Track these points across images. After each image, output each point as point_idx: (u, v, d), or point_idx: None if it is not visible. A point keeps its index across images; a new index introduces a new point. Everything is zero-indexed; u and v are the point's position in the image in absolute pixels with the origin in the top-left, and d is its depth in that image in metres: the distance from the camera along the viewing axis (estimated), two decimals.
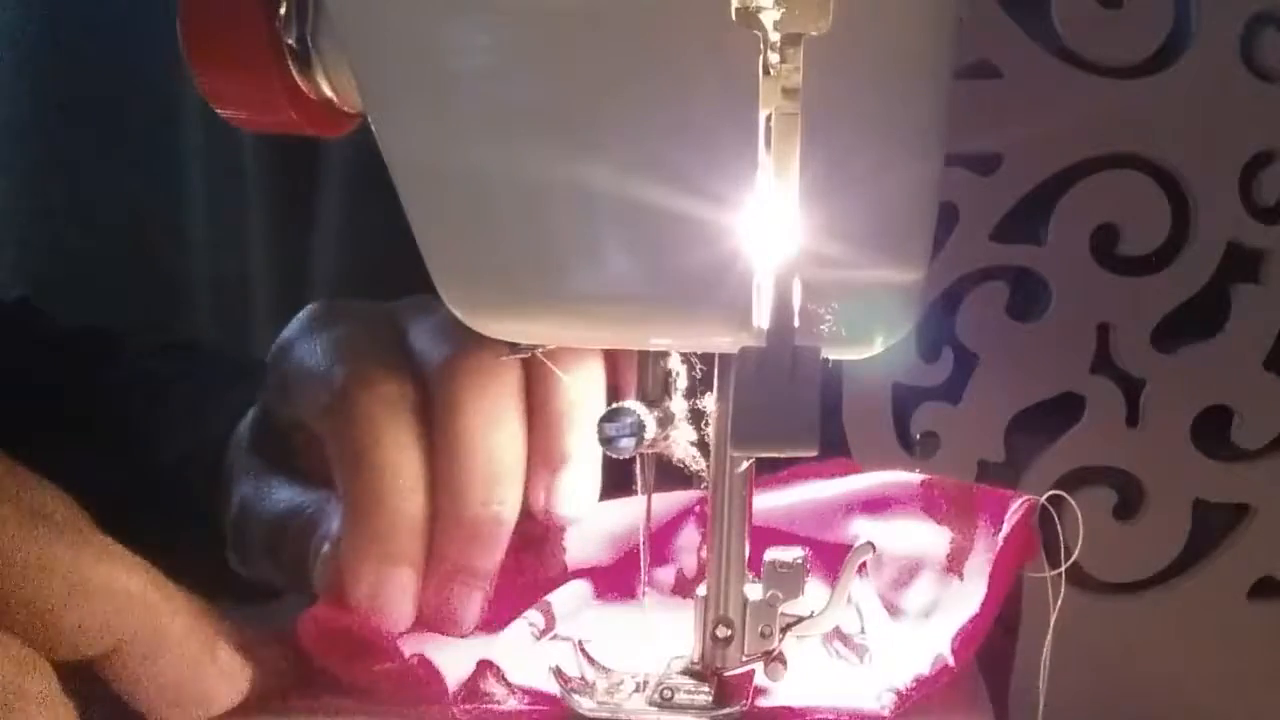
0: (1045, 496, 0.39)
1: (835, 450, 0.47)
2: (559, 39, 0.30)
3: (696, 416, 0.39)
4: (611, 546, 0.44)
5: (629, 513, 0.44)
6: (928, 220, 0.33)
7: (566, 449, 0.41)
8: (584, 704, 0.36)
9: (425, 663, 0.37)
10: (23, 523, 0.31)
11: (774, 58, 0.28)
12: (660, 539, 0.45)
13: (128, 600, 0.32)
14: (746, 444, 0.31)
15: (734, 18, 0.28)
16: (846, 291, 0.31)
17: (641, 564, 0.42)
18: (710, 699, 0.36)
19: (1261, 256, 0.48)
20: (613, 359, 0.42)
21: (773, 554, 0.37)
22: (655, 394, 0.39)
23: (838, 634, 0.40)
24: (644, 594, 0.42)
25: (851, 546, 0.39)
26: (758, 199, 0.30)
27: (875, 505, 0.43)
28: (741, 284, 0.31)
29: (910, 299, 0.33)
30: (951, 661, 0.37)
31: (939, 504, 0.42)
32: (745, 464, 0.37)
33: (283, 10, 0.33)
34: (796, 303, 0.30)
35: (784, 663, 0.37)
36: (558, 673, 0.37)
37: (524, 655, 0.38)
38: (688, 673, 0.37)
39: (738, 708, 0.36)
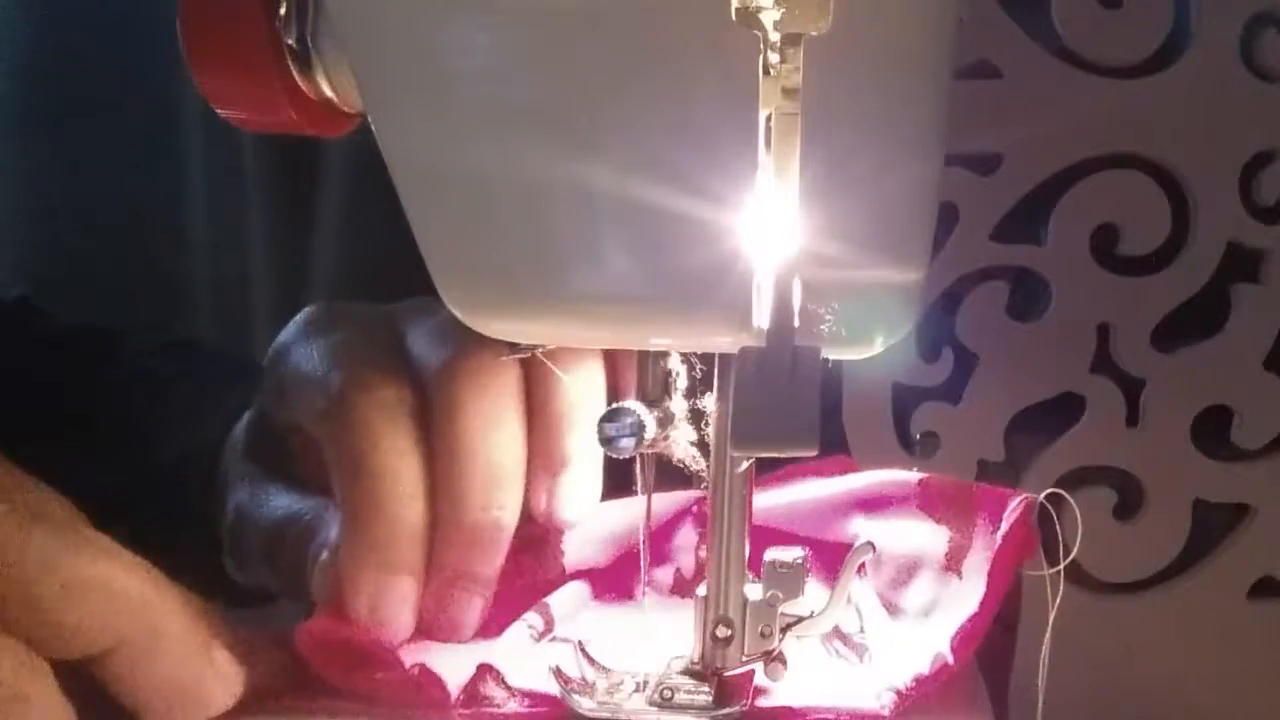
0: (1044, 495, 0.39)
1: (835, 450, 0.47)
2: (559, 39, 0.30)
3: (696, 416, 0.39)
4: (609, 548, 0.44)
5: (626, 513, 0.44)
6: (928, 220, 0.33)
7: (567, 452, 0.41)
8: (584, 704, 0.36)
9: (426, 671, 0.37)
10: (21, 522, 0.31)
11: (774, 58, 0.28)
12: (658, 539, 0.45)
13: (125, 600, 0.32)
14: (746, 444, 0.31)
15: (734, 18, 0.28)
16: (846, 291, 0.31)
17: (642, 564, 0.42)
18: (710, 699, 0.36)
19: (1261, 256, 0.48)
20: (612, 359, 0.42)
21: (773, 554, 0.37)
22: (655, 394, 0.39)
23: (837, 633, 0.40)
24: (643, 594, 0.42)
25: (850, 545, 0.39)
26: (758, 199, 0.30)
27: (873, 504, 0.43)
28: (741, 284, 0.31)
29: (910, 299, 0.33)
30: (951, 660, 0.37)
31: (936, 503, 0.42)
32: (745, 464, 0.37)
33: (283, 10, 0.33)
34: (796, 303, 0.30)
35: (784, 663, 0.37)
36: (558, 673, 0.37)
37: (523, 658, 0.38)
38: (688, 673, 0.37)
39: (738, 708, 0.36)
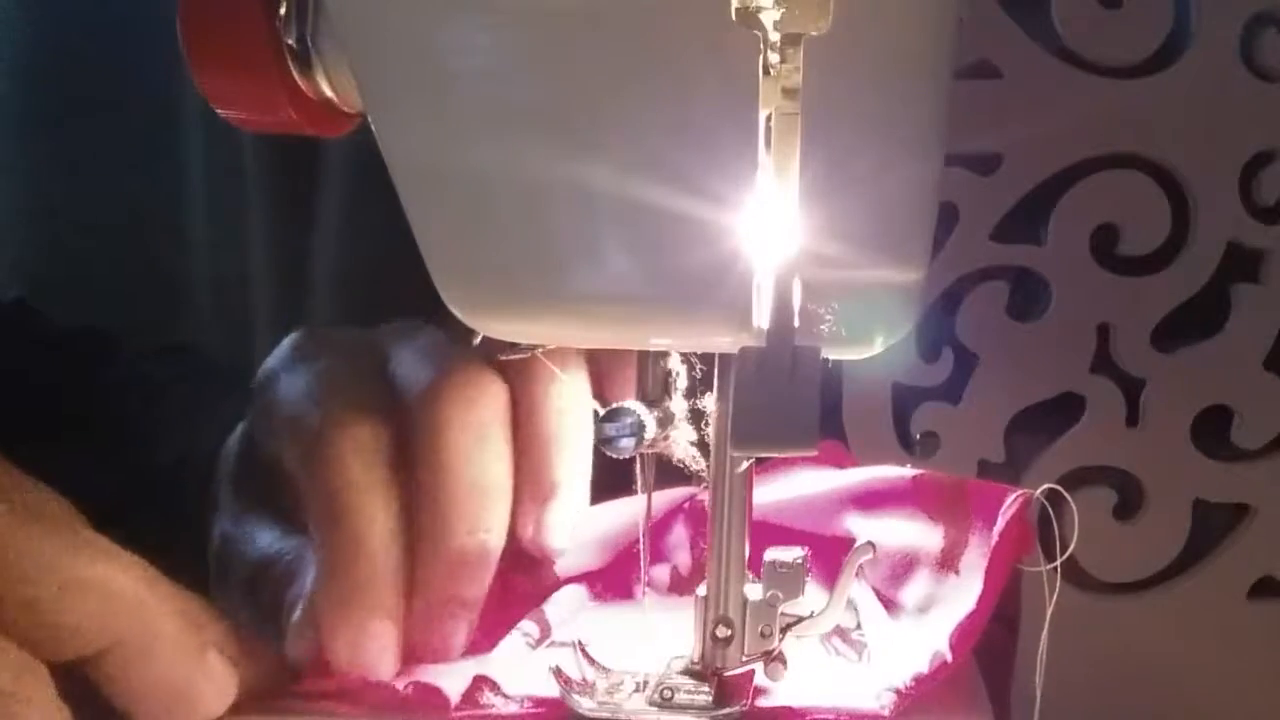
0: (1040, 491, 0.39)
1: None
2: (559, 39, 0.30)
3: (696, 416, 0.39)
4: (603, 550, 0.44)
5: (617, 516, 0.44)
6: (928, 220, 0.33)
7: (555, 479, 0.41)
8: (584, 704, 0.36)
9: (421, 687, 0.37)
10: (19, 522, 0.31)
11: (774, 58, 0.28)
12: (653, 537, 0.45)
13: (121, 601, 0.32)
14: (746, 444, 0.31)
15: (734, 18, 0.28)
16: (846, 291, 0.31)
17: (642, 564, 0.41)
18: (710, 699, 0.36)
19: (1261, 256, 0.48)
20: (598, 376, 0.42)
21: (773, 554, 0.37)
22: (655, 394, 0.39)
23: (836, 630, 0.40)
24: (643, 594, 0.42)
25: (846, 541, 0.39)
26: (758, 199, 0.30)
27: (867, 501, 0.43)
28: (741, 284, 0.31)
29: (910, 299, 0.33)
30: (949, 658, 0.37)
31: (931, 499, 0.42)
32: (745, 464, 0.37)
33: (283, 10, 0.33)
34: (796, 303, 0.30)
35: (784, 663, 0.37)
36: (558, 673, 0.37)
37: (520, 666, 0.38)
38: (688, 673, 0.37)
39: (738, 708, 0.36)
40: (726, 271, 0.30)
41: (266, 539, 0.44)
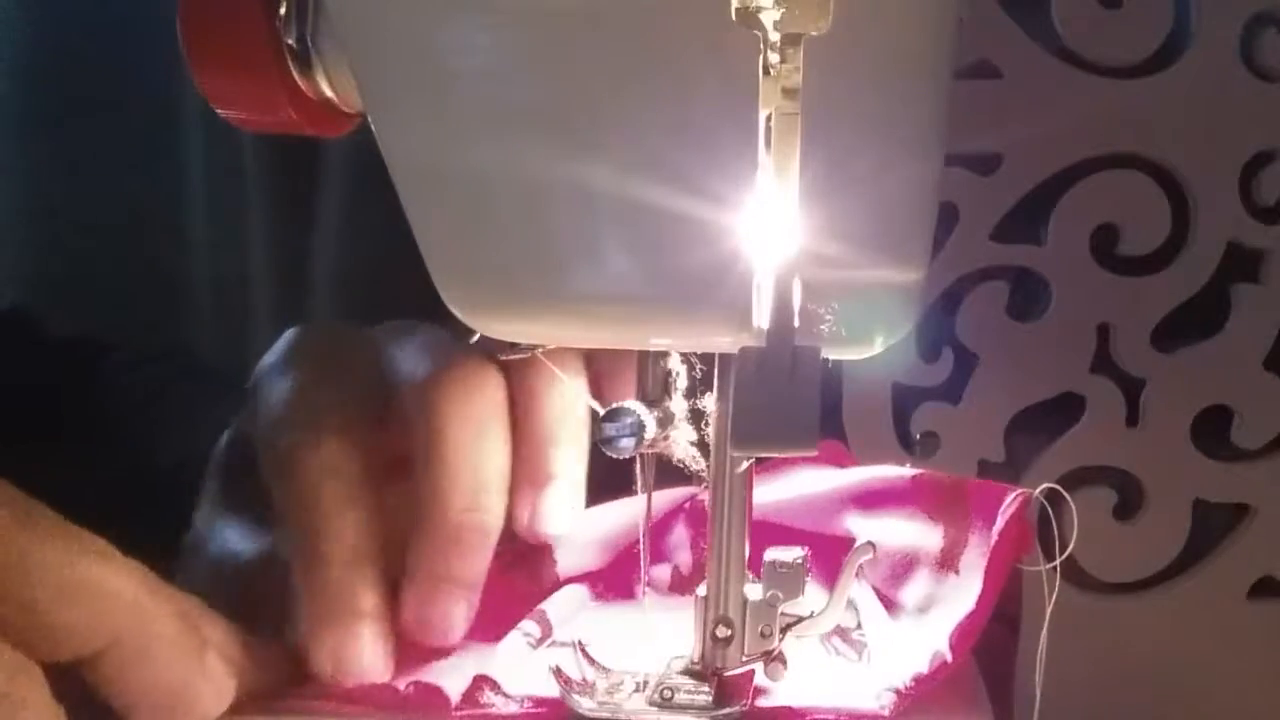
0: (1040, 490, 0.39)
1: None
2: (559, 39, 0.30)
3: (696, 416, 0.39)
4: (603, 550, 0.44)
5: (618, 517, 0.44)
6: (928, 220, 0.33)
7: (552, 467, 0.41)
8: (584, 704, 0.36)
9: (421, 687, 0.37)
10: (16, 524, 0.31)
11: (774, 58, 0.28)
12: (654, 537, 0.45)
13: (118, 602, 0.32)
14: (746, 444, 0.31)
15: (734, 18, 0.28)
16: (846, 291, 0.31)
17: (642, 564, 0.41)
18: (710, 699, 0.36)
19: (1261, 256, 0.48)
20: (596, 378, 0.42)
21: (773, 554, 0.37)
22: (655, 394, 0.39)
23: (836, 630, 0.40)
24: (644, 594, 0.42)
25: (845, 541, 0.39)
26: (758, 199, 0.30)
27: (867, 501, 0.43)
28: (741, 284, 0.31)
29: (910, 299, 0.33)
30: (949, 658, 0.37)
31: (931, 499, 0.42)
32: (745, 464, 0.37)
33: (283, 10, 0.33)
34: (796, 303, 0.30)
35: (784, 663, 0.37)
36: (558, 673, 0.37)
37: (521, 665, 0.38)
38: (688, 673, 0.37)
39: (738, 708, 0.36)
40: (726, 271, 0.30)
41: (232, 537, 0.44)
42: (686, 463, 0.40)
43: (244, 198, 0.69)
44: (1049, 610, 0.37)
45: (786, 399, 0.29)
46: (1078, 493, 0.43)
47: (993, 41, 0.46)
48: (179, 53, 0.33)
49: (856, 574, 0.39)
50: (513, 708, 0.36)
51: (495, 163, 0.31)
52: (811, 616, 0.37)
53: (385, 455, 0.41)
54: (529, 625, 0.41)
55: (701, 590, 0.37)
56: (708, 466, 0.38)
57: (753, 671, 0.37)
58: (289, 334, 0.45)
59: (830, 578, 0.39)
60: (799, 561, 0.37)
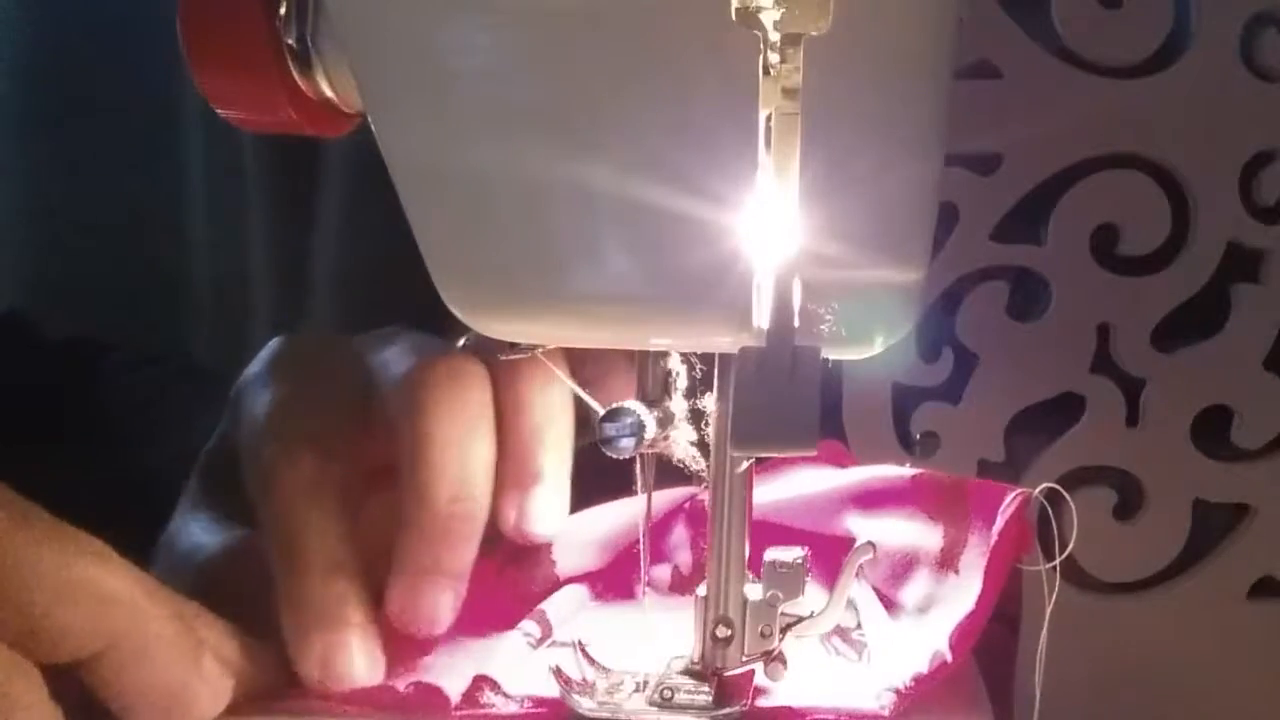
0: (1039, 490, 0.39)
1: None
2: (559, 39, 0.30)
3: (696, 416, 0.39)
4: (603, 551, 0.44)
5: (617, 517, 0.44)
6: (928, 220, 0.33)
7: (538, 467, 0.41)
8: (584, 704, 0.36)
9: (421, 687, 0.37)
10: (13, 526, 0.31)
11: (774, 58, 0.28)
12: (654, 537, 0.45)
13: (115, 604, 0.32)
14: (746, 444, 0.31)
15: (734, 18, 0.28)
16: (846, 291, 0.31)
17: (642, 564, 0.41)
18: (710, 699, 0.36)
19: (1261, 256, 0.48)
20: (584, 385, 0.42)
21: (773, 554, 0.37)
22: (655, 394, 0.39)
23: (836, 630, 0.40)
24: (644, 594, 0.42)
25: (845, 541, 0.39)
26: (758, 199, 0.30)
27: (867, 500, 0.43)
28: (741, 284, 0.31)
29: (910, 299, 0.33)
30: (949, 658, 0.37)
31: (930, 499, 0.42)
32: (745, 464, 0.37)
33: (283, 10, 0.33)
34: (796, 303, 0.30)
35: (784, 663, 0.37)
36: (558, 673, 0.37)
37: (521, 665, 0.38)
38: (688, 673, 0.37)
39: (738, 708, 0.36)
40: (726, 271, 0.30)
41: (200, 531, 0.44)
42: (686, 463, 0.40)
43: (244, 198, 0.69)
44: (1049, 610, 0.37)
45: (786, 399, 0.29)
46: (1078, 493, 0.43)
47: (993, 41, 0.46)
48: (179, 53, 0.33)
49: (856, 574, 0.39)
50: (513, 708, 0.36)
51: (495, 163, 0.31)
52: (811, 616, 0.37)
53: (368, 464, 0.41)
54: (529, 625, 0.41)
55: (701, 590, 0.37)
56: (708, 466, 0.38)
57: (753, 671, 0.37)
58: (271, 345, 0.45)
59: (830, 578, 0.39)
60: (799, 561, 0.37)
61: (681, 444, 0.39)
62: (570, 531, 0.43)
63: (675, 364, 0.39)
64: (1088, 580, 0.49)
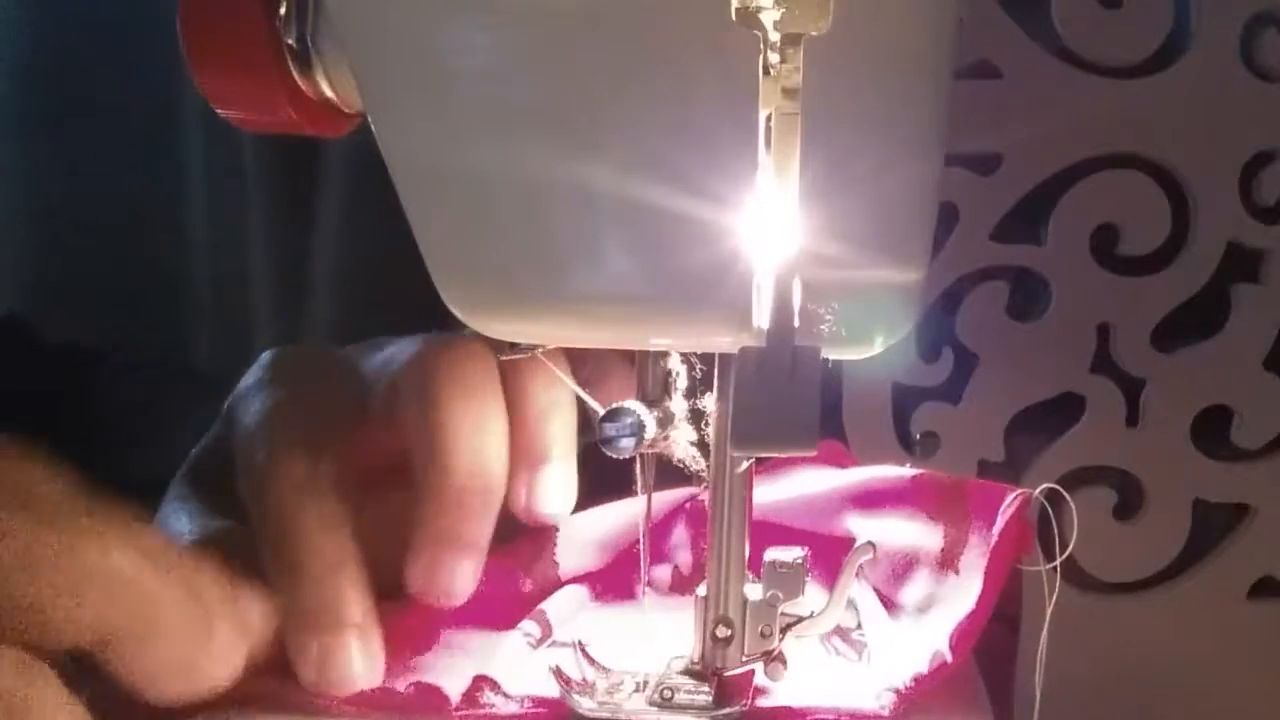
0: (1040, 490, 0.39)
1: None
2: (559, 39, 0.30)
3: (696, 416, 0.39)
4: (604, 551, 0.44)
5: (618, 517, 0.44)
6: (928, 220, 0.33)
7: (547, 448, 0.41)
8: (584, 704, 0.36)
9: (421, 687, 0.37)
10: (10, 511, 0.31)
11: (774, 58, 0.28)
12: (655, 537, 0.45)
13: (121, 586, 0.32)
14: (746, 444, 0.31)
15: (734, 18, 0.28)
16: (846, 291, 0.31)
17: (642, 564, 0.41)
18: (710, 699, 0.36)
19: (1261, 256, 0.48)
20: (580, 386, 0.43)
21: (773, 554, 0.37)
22: (655, 394, 0.39)
23: (836, 630, 0.40)
24: (644, 594, 0.42)
25: (845, 541, 0.39)
26: (758, 199, 0.30)
27: (867, 501, 0.43)
28: (741, 284, 0.31)
29: (910, 299, 0.33)
30: (949, 658, 0.37)
31: (930, 499, 0.42)
32: (745, 464, 0.37)
33: (283, 10, 0.33)
34: (796, 303, 0.30)
35: (784, 663, 0.37)
36: (558, 673, 0.37)
37: (521, 665, 0.38)
38: (688, 673, 0.37)
39: (738, 708, 0.36)
40: (726, 271, 0.30)
41: (184, 524, 0.44)
42: (686, 463, 0.40)
43: (244, 198, 0.69)
44: (1049, 611, 0.37)
45: (786, 399, 0.29)
46: (1078, 493, 0.43)
47: (993, 41, 0.46)
48: (179, 53, 0.33)
49: (857, 574, 0.39)
50: (513, 708, 0.36)
51: (495, 163, 0.31)
52: (811, 616, 0.37)
53: (366, 464, 0.41)
54: (529, 625, 0.41)
55: (701, 590, 0.37)
56: (708, 466, 0.38)
57: (753, 671, 0.37)
58: (264, 356, 0.45)
59: (830, 578, 0.39)
60: (799, 561, 0.37)
61: (681, 444, 0.39)
62: (572, 532, 0.43)
63: (675, 364, 0.39)
64: (1088, 580, 0.49)
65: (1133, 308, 0.47)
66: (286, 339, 0.67)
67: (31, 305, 0.71)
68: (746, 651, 0.37)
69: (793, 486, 0.45)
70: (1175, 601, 0.49)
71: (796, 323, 0.30)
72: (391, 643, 0.38)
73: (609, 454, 0.38)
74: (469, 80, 0.30)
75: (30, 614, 0.31)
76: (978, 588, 0.38)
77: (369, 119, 0.32)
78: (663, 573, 0.45)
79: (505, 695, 0.36)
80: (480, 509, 0.40)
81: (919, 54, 0.30)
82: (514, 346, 0.39)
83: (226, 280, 0.72)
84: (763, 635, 0.37)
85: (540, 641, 0.40)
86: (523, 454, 0.41)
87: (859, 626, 0.40)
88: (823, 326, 0.31)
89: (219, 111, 0.35)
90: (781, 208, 0.29)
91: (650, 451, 0.39)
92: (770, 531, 0.43)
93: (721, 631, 0.37)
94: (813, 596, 0.38)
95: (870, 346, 0.33)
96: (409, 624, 0.40)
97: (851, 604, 0.41)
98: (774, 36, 0.28)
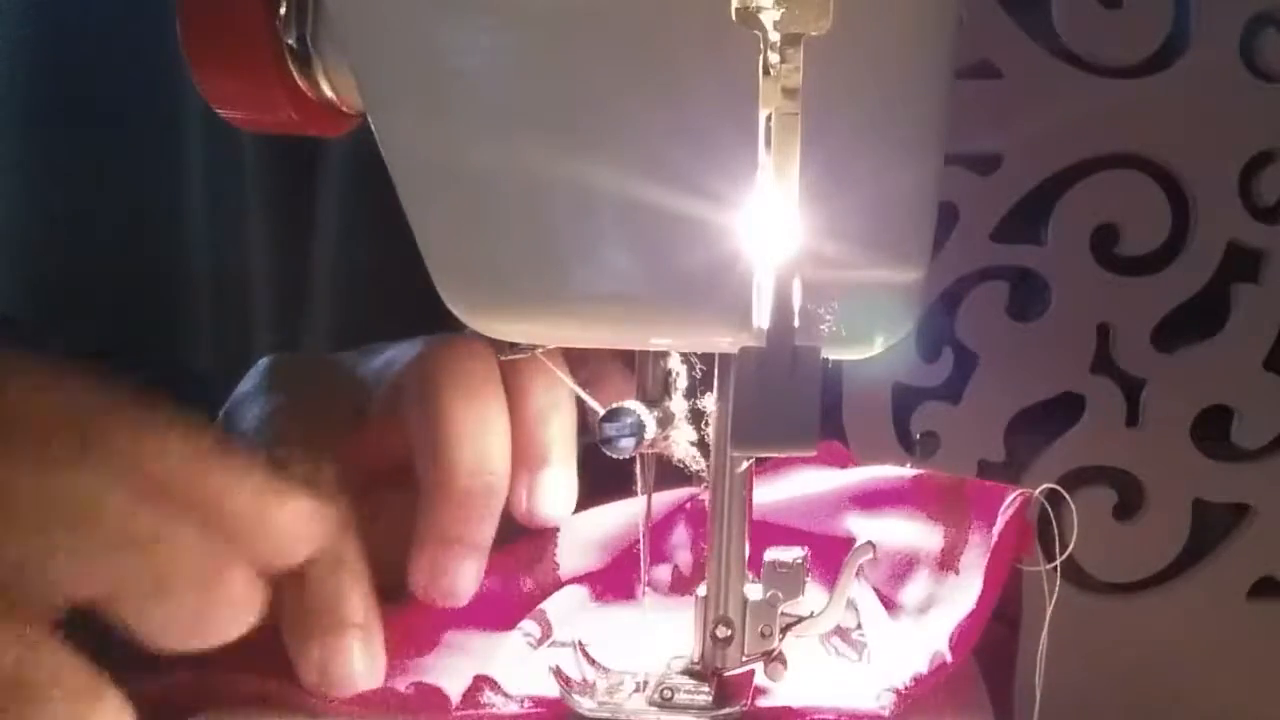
0: (1040, 491, 0.39)
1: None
2: (559, 39, 0.30)
3: (696, 416, 0.39)
4: (604, 551, 0.44)
5: (619, 517, 0.44)
6: (928, 220, 0.33)
7: (546, 450, 0.41)
8: (584, 704, 0.36)
9: (421, 687, 0.37)
10: (17, 472, 0.30)
11: (774, 58, 0.28)
12: (655, 537, 0.45)
13: (127, 544, 0.31)
14: (746, 444, 0.31)
15: (734, 18, 0.28)
16: (846, 291, 0.31)
17: (642, 564, 0.41)
18: (710, 699, 0.36)
19: (1261, 256, 0.48)
20: (580, 386, 0.43)
21: (773, 554, 0.37)
22: (655, 394, 0.39)
23: (836, 630, 0.40)
24: (644, 594, 0.42)
25: (846, 541, 0.39)
26: (758, 199, 0.30)
27: (867, 501, 0.43)
28: (741, 284, 0.31)
29: (910, 299, 0.33)
30: (949, 659, 0.37)
31: (931, 499, 0.42)
32: (745, 464, 0.37)
33: (283, 10, 0.33)
34: (796, 303, 0.30)
35: (784, 663, 0.37)
36: (558, 673, 0.37)
37: (521, 665, 0.38)
38: (688, 673, 0.37)
39: (738, 708, 0.36)
40: (726, 271, 0.30)
41: None
42: (686, 463, 0.40)
43: (244, 198, 0.69)
44: (1049, 611, 0.37)
45: (786, 399, 0.29)
46: (1078, 493, 0.43)
47: (993, 41, 0.46)
48: (179, 53, 0.33)
49: (857, 574, 0.39)
50: (513, 708, 0.36)
51: (495, 163, 0.31)
52: (811, 616, 0.37)
53: (365, 470, 0.41)
54: (529, 625, 0.41)
55: (701, 590, 0.37)
56: (708, 466, 0.38)
57: (753, 671, 0.37)
58: (260, 364, 0.45)
59: (830, 578, 0.39)
60: (799, 561, 0.37)
61: (681, 444, 0.39)
62: (572, 532, 0.43)
63: (675, 364, 0.39)
64: (1088, 580, 0.49)
65: (1133, 308, 0.47)
66: (287, 339, 0.67)
67: (31, 305, 0.71)
68: (746, 651, 0.37)
69: (793, 487, 0.45)
70: (1175, 601, 0.49)
71: (796, 323, 0.30)
72: (392, 643, 0.38)
73: (609, 454, 0.38)
74: (469, 80, 0.30)
75: (17, 572, 0.30)
76: (978, 588, 0.38)
77: (369, 119, 0.32)
78: (663, 573, 0.45)
79: (505, 695, 0.36)
80: (483, 509, 0.40)
81: (919, 54, 0.30)
82: (514, 346, 0.39)
83: (226, 281, 0.72)
84: (763, 635, 0.37)
85: (540, 641, 0.40)
86: (522, 456, 0.41)
87: (859, 627, 0.40)
88: (823, 326, 0.31)
89: (219, 111, 0.35)
90: (781, 208, 0.29)
91: (650, 451, 0.39)
92: (771, 532, 0.43)
93: (721, 631, 0.37)
94: (813, 596, 0.38)
95: (870, 346, 0.33)
96: (410, 624, 0.40)
97: (851, 604, 0.41)
98: (774, 36, 0.28)
